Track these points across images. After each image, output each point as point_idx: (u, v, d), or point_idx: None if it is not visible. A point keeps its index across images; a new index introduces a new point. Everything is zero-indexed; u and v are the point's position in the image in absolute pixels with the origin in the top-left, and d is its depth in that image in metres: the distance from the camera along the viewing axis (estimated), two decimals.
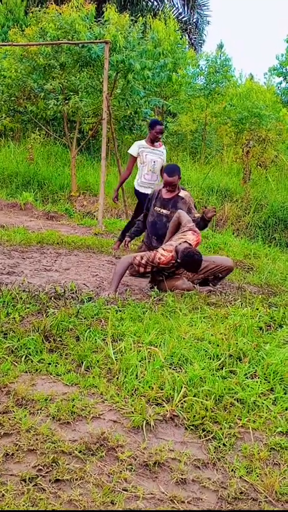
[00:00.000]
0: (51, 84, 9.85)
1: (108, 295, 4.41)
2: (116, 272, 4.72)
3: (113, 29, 9.50)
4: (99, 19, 10.84)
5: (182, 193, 5.45)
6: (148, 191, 6.27)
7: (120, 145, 12.32)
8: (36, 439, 2.24)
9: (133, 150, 6.54)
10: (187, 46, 18.12)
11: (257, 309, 4.16)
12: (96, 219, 8.53)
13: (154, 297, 4.44)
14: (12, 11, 17.97)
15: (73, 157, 10.43)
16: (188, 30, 23.20)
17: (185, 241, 4.73)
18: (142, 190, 6.51)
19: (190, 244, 4.72)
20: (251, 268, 6.71)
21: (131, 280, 5.34)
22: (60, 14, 9.92)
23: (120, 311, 3.90)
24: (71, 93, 10.06)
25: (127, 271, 5.45)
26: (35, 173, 10.99)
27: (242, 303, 4.44)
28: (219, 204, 10.50)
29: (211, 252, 7.62)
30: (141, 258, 4.74)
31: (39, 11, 10.24)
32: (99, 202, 8.46)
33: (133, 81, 9.86)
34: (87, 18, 10.21)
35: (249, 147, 11.65)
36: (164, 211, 5.41)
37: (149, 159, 6.45)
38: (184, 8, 23.25)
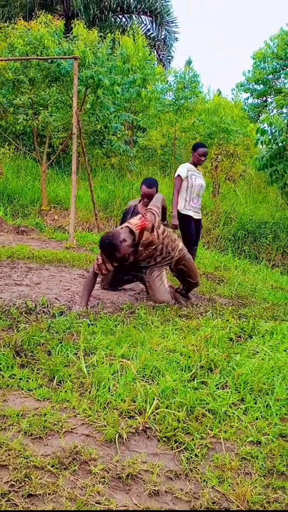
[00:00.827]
0: (20, 99, 9.87)
1: (80, 309, 4.41)
2: (85, 286, 4.72)
3: (82, 45, 9.61)
4: (68, 35, 10.95)
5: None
6: (196, 216, 6.27)
7: (91, 160, 12.37)
8: (8, 455, 2.22)
9: (182, 171, 6.21)
10: (156, 62, 18.40)
11: (228, 320, 4.21)
12: (68, 233, 8.53)
13: (126, 310, 4.46)
14: None
15: (43, 172, 10.42)
16: (157, 47, 23.56)
17: (126, 226, 4.68)
18: (191, 214, 6.28)
19: (131, 227, 4.62)
20: (221, 280, 6.80)
21: (103, 293, 5.35)
22: (28, 29, 9.98)
23: (92, 325, 3.90)
24: (41, 108, 10.09)
25: (100, 285, 5.48)
26: (4, 187, 10.94)
27: (212, 315, 4.49)
28: None
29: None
30: (97, 259, 4.72)
31: (8, 26, 10.28)
32: (70, 216, 8.46)
33: (103, 97, 9.96)
34: (56, 34, 10.30)
35: (218, 162, 11.85)
36: None
37: (198, 183, 6.24)
38: (152, 24, 23.63)
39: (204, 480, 2.25)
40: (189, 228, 6.28)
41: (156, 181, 5.65)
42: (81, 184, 11.38)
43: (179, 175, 6.20)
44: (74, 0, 21.74)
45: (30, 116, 9.96)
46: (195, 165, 6.33)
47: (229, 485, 2.23)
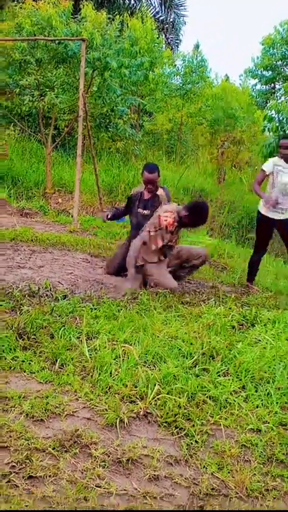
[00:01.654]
0: (26, 80, 9.76)
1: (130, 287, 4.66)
2: (129, 262, 4.97)
3: (90, 27, 9.48)
4: (76, 16, 10.80)
5: (159, 192, 5.52)
6: (278, 216, 5.65)
7: (96, 143, 12.29)
8: (10, 436, 2.23)
9: (268, 166, 5.69)
10: (164, 45, 18.19)
11: (230, 308, 4.22)
12: (72, 216, 8.50)
13: (129, 296, 4.47)
14: None
15: (48, 154, 10.36)
16: (165, 30, 23.26)
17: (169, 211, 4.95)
18: (270, 215, 5.68)
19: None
20: (224, 268, 6.79)
21: (106, 278, 5.35)
22: (36, 9, 9.84)
23: (95, 309, 3.91)
24: (47, 90, 9.98)
25: (104, 270, 5.51)
26: (9, 169, 10.87)
27: (215, 302, 4.50)
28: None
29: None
30: (149, 231, 4.87)
31: (16, 6, 10.15)
32: (74, 200, 8.43)
33: (110, 79, 9.85)
34: (64, 15, 10.15)
35: (224, 148, 11.79)
36: (145, 211, 5.50)
37: (284, 181, 5.60)
38: (161, 7, 23.30)
39: (203, 466, 2.27)
40: (260, 230, 5.83)
41: (157, 166, 5.60)
42: (86, 168, 11.33)
43: (262, 169, 5.78)
44: None
45: (36, 97, 9.87)
46: (286, 160, 5.67)
47: (228, 472, 2.24)
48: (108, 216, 5.99)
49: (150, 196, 5.52)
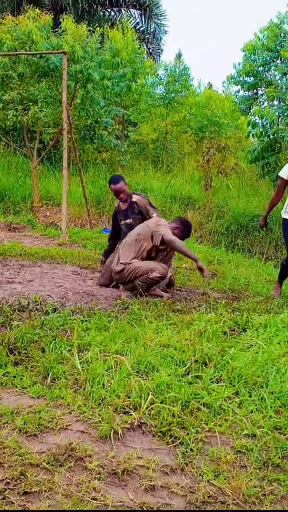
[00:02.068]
0: (9, 95, 9.79)
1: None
2: (185, 250, 5.22)
3: (70, 40, 9.54)
4: (56, 29, 10.87)
5: (135, 198, 5.68)
6: None
7: (82, 155, 12.32)
8: (3, 453, 2.21)
9: (284, 172, 5.50)
10: (145, 56, 18.31)
11: (221, 314, 4.22)
12: (60, 229, 8.50)
13: (120, 306, 4.46)
14: None
15: (34, 168, 10.37)
16: (146, 40, 23.41)
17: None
18: None
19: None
20: (214, 275, 6.80)
21: (97, 289, 5.34)
22: (16, 24, 9.90)
23: (85, 321, 3.89)
24: (30, 104, 10.02)
25: (98, 282, 5.52)
26: None
27: (206, 309, 4.49)
28: (181, 211, 10.61)
29: (176, 260, 7.68)
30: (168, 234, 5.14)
31: None
32: (62, 213, 8.43)
33: (93, 91, 9.90)
34: (45, 29, 10.22)
35: (210, 155, 11.84)
36: (128, 220, 5.67)
37: None
38: (141, 17, 23.46)
39: (200, 474, 2.26)
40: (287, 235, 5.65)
41: (121, 176, 5.80)
42: (73, 180, 11.34)
43: (280, 176, 5.57)
44: None
45: (20, 112, 9.90)
46: None
47: (225, 479, 2.23)
48: (104, 260, 6.03)
49: (128, 205, 5.67)
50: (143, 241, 5.16)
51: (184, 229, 5.41)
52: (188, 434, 2.50)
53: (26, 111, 9.91)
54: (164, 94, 14.14)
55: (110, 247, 5.98)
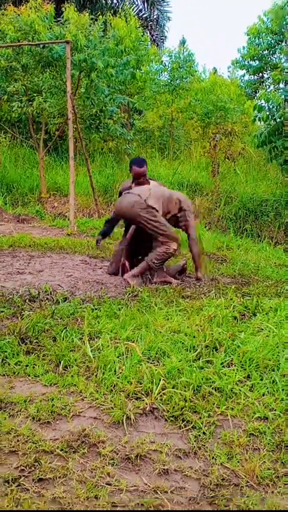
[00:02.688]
0: (14, 86, 9.77)
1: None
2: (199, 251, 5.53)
3: (73, 29, 9.47)
4: (58, 19, 10.79)
5: (152, 184, 5.52)
6: None
7: (88, 145, 12.28)
8: (18, 440, 2.24)
9: None
10: (149, 43, 18.16)
11: (231, 299, 4.21)
12: (68, 219, 8.51)
13: (129, 293, 4.47)
14: None
15: (41, 159, 10.37)
16: (149, 27, 23.20)
17: None
18: None
19: None
20: (224, 260, 6.78)
21: (106, 278, 5.35)
22: (18, 15, 9.83)
23: (96, 309, 3.91)
24: (35, 94, 9.99)
25: (108, 270, 5.52)
26: (2, 176, 10.89)
27: (216, 294, 4.50)
28: (189, 198, 10.55)
29: (184, 247, 7.66)
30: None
31: None
32: (70, 203, 8.42)
33: (97, 80, 9.83)
34: (47, 19, 10.14)
35: (216, 141, 11.75)
36: None
37: None
38: (144, 4, 23.23)
39: (213, 457, 2.27)
40: None
41: (144, 160, 5.71)
42: (80, 170, 11.32)
43: None
44: None
45: (24, 103, 9.88)
46: None
47: (238, 462, 2.24)
48: (99, 239, 6.14)
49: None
50: (172, 203, 5.33)
51: None
52: (200, 418, 2.51)
53: (30, 102, 9.89)
54: (169, 81, 13.99)
55: (107, 228, 6.00)
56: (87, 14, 10.92)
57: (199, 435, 2.41)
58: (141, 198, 5.05)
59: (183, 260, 5.70)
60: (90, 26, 10.30)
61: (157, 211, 5.08)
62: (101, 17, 12.16)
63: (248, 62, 16.27)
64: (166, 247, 5.04)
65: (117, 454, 2.23)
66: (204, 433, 2.42)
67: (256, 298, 4.28)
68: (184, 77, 13.98)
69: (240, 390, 2.76)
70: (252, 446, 2.37)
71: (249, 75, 16.49)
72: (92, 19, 11.06)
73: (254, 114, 11.24)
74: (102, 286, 4.95)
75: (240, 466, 2.22)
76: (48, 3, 10.65)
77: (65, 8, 11.03)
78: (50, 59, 9.37)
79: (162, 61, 14.81)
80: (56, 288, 4.61)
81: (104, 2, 22.40)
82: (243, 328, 3.59)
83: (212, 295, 4.45)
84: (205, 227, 9.62)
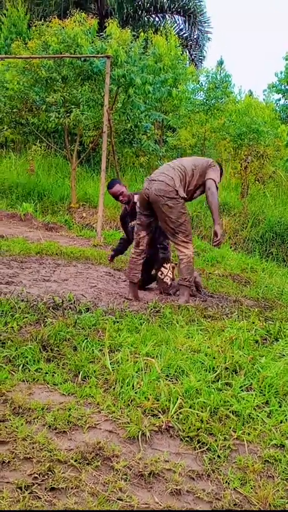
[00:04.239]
0: (53, 97, 9.96)
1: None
2: (217, 208, 5.08)
3: (114, 44, 9.63)
4: (101, 34, 11.00)
5: (135, 198, 5.55)
6: None
7: (120, 159, 12.42)
8: (33, 448, 2.25)
9: None
10: (187, 62, 18.36)
11: (253, 323, 4.18)
12: (95, 230, 8.59)
13: (151, 309, 4.48)
14: (15, 24, 18.19)
15: (73, 169, 10.51)
16: (189, 46, 23.47)
17: None
18: None
19: None
20: (248, 282, 6.75)
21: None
22: (63, 28, 10.05)
23: (117, 322, 3.92)
24: (73, 106, 10.16)
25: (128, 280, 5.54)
26: (35, 184, 11.06)
27: (238, 316, 4.47)
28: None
29: (209, 266, 7.66)
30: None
31: (43, 24, 10.38)
32: (98, 214, 8.51)
33: (134, 96, 9.97)
34: (90, 33, 10.35)
35: (248, 163, 11.75)
36: (133, 222, 5.57)
37: None
38: (185, 24, 23.54)
39: (226, 481, 2.25)
40: None
41: (115, 179, 6.01)
42: None
43: None
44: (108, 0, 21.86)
45: (62, 114, 10.05)
46: None
47: (251, 488, 2.21)
48: (112, 256, 6.33)
49: (131, 206, 5.70)
50: (196, 175, 5.07)
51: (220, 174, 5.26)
52: (215, 440, 2.49)
53: (68, 114, 10.05)
54: (204, 100, 14.10)
55: (121, 247, 6.22)
56: (129, 30, 11.09)
57: (214, 458, 2.39)
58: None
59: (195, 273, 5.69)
60: (131, 42, 10.47)
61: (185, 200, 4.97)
62: (142, 34, 12.36)
63: (284, 87, 16.30)
64: (186, 250, 4.96)
65: (131, 469, 2.23)
66: (219, 456, 2.40)
67: (279, 323, 4.24)
68: (219, 97, 14.06)
69: (258, 416, 2.73)
70: (267, 473, 2.34)
71: (285, 99, 16.50)
72: (133, 36, 11.25)
73: (287, 138, 11.23)
74: (124, 299, 4.97)
75: (253, 492, 2.19)
76: (92, 17, 10.87)
77: (108, 24, 11.23)
78: (90, 72, 9.55)
79: (199, 80, 14.94)
80: (79, 298, 4.64)
81: (146, 19, 22.80)
82: (265, 353, 3.56)
83: (235, 317, 4.43)
84: (231, 247, 9.60)
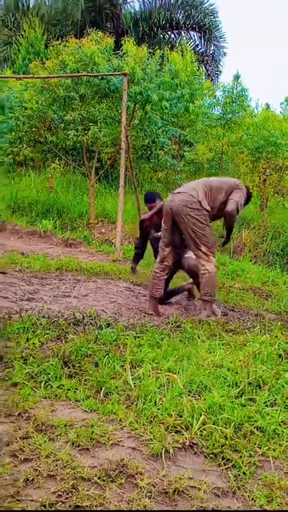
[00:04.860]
0: (71, 115, 10.07)
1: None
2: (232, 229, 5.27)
3: (131, 61, 9.74)
4: (117, 52, 11.13)
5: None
6: None
7: (138, 174, 12.47)
8: (56, 465, 2.24)
9: None
10: (204, 77, 18.44)
11: (276, 337, 4.14)
12: (114, 246, 8.61)
13: (172, 324, 4.46)
14: (33, 44, 18.53)
15: (92, 186, 10.59)
16: (205, 62, 23.63)
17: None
18: None
19: None
20: (269, 295, 6.69)
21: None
22: (80, 47, 10.20)
23: (138, 337, 3.91)
24: (90, 124, 10.27)
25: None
26: (54, 201, 11.16)
27: (260, 330, 4.42)
28: (236, 230, 10.52)
29: (229, 279, 7.62)
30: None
31: (60, 44, 10.55)
32: (117, 230, 8.54)
33: (151, 112, 10.05)
34: (106, 51, 10.49)
35: (266, 176, 11.72)
36: (158, 233, 5.50)
37: None
38: (201, 40, 23.74)
39: (252, 498, 2.21)
40: None
41: (155, 193, 6.18)
42: (128, 198, 11.47)
43: None
44: (124, 18, 22.19)
45: (80, 132, 10.15)
46: None
47: (278, 505, 2.17)
48: (133, 268, 6.48)
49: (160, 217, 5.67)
50: (222, 192, 5.09)
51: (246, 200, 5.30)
52: (240, 457, 2.45)
53: (86, 131, 10.16)
54: (221, 115, 14.13)
55: (139, 254, 6.32)
56: (146, 47, 11.19)
57: (239, 474, 2.35)
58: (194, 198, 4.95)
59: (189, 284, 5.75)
60: (147, 59, 10.57)
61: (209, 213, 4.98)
62: (158, 51, 12.47)
63: None
64: (208, 263, 4.94)
65: (155, 487, 2.20)
66: (244, 473, 2.36)
67: None
68: (236, 111, 14.08)
69: (283, 431, 2.69)
70: None
71: None
72: (149, 53, 11.35)
73: None
74: (145, 314, 4.96)
75: (280, 509, 2.15)
76: (108, 36, 11.02)
77: (124, 41, 11.37)
78: (107, 90, 9.65)
79: (215, 95, 15.00)
80: (99, 313, 4.65)
81: (161, 36, 23.06)
82: None
83: (257, 331, 4.38)
84: (251, 261, 9.53)
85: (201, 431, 2.62)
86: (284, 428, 2.71)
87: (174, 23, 23.00)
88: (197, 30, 23.25)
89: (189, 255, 5.33)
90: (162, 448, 2.45)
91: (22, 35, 18.95)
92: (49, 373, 3.10)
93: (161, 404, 2.83)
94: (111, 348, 3.60)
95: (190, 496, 2.17)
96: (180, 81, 13.15)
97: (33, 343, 3.53)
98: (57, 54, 10.37)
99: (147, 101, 9.71)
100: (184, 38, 21.60)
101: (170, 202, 4.98)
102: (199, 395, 3.00)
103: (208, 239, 4.89)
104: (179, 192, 5.00)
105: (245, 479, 2.33)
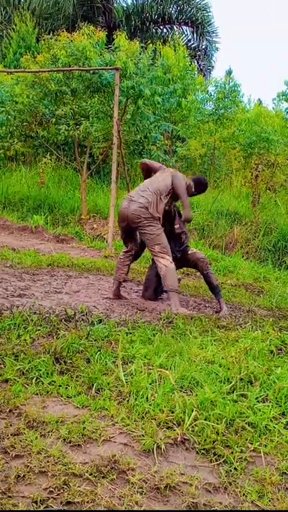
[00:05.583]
0: (62, 110, 10.01)
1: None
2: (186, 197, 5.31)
3: (123, 56, 9.70)
4: (109, 46, 11.08)
5: None
6: None
7: (130, 169, 12.44)
8: (47, 461, 2.23)
9: None
10: (196, 72, 18.40)
11: (268, 333, 4.15)
12: (106, 241, 8.59)
13: (164, 320, 4.45)
14: (24, 38, 18.36)
15: (83, 181, 10.55)
16: (197, 57, 23.59)
17: None
18: None
19: None
20: (261, 292, 6.71)
21: (141, 302, 5.36)
22: (71, 41, 10.14)
23: (130, 333, 3.91)
24: (82, 119, 10.22)
25: (143, 295, 5.53)
26: (45, 197, 11.11)
27: (252, 326, 4.43)
28: (228, 227, 10.53)
29: (221, 275, 7.63)
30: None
31: (51, 38, 10.48)
32: (109, 225, 8.52)
33: (143, 107, 10.02)
34: (98, 45, 10.43)
35: (258, 171, 11.72)
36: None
37: None
38: (193, 35, 23.68)
39: (243, 494, 2.21)
40: None
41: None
42: (120, 194, 11.42)
43: None
44: (116, 12, 22.09)
45: (71, 127, 10.10)
46: None
47: (269, 500, 2.18)
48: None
49: None
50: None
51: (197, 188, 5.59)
52: (232, 453, 2.46)
53: (77, 126, 10.11)
54: (214, 110, 14.12)
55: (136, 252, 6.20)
56: (138, 42, 11.15)
57: (230, 470, 2.36)
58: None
59: None
60: (140, 54, 10.53)
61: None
62: (151, 45, 12.43)
63: None
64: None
65: (146, 483, 2.20)
66: (235, 468, 2.37)
67: None
68: (229, 107, 14.07)
69: (275, 427, 2.70)
70: (285, 485, 2.30)
71: None
72: (142, 47, 11.30)
73: None
74: (137, 310, 4.96)
75: (271, 505, 2.16)
76: (100, 30, 10.96)
77: (116, 36, 11.31)
78: (99, 84, 9.60)
79: (208, 91, 14.98)
80: (91, 309, 4.64)
81: (154, 31, 22.99)
82: (280, 363, 3.52)
83: (248, 327, 4.39)
84: (243, 257, 9.55)
85: (192, 427, 2.62)
86: (276, 424, 2.72)
87: (166, 17, 22.92)
88: (190, 24, 23.20)
89: (193, 250, 5.72)
90: (154, 444, 2.45)
91: (13, 29, 18.78)
92: (40, 370, 3.08)
93: (152, 400, 2.83)
94: (103, 344, 3.59)
95: (182, 492, 2.18)
96: (173, 76, 13.12)
97: (25, 340, 3.52)
98: (49, 48, 10.31)
99: (139, 96, 9.68)
100: (176, 33, 21.50)
101: (126, 210, 5.22)
102: (191, 391, 3.00)
103: (161, 239, 5.12)
104: (132, 200, 5.22)
105: (237, 474, 2.33)
